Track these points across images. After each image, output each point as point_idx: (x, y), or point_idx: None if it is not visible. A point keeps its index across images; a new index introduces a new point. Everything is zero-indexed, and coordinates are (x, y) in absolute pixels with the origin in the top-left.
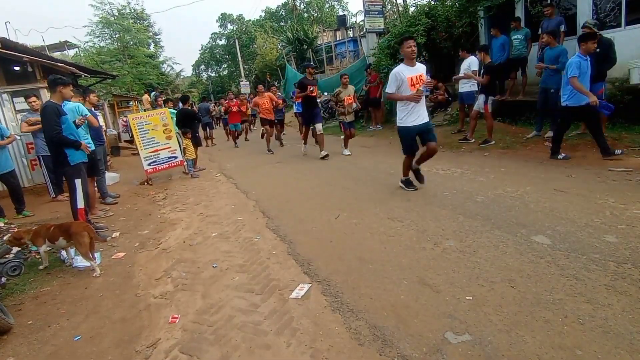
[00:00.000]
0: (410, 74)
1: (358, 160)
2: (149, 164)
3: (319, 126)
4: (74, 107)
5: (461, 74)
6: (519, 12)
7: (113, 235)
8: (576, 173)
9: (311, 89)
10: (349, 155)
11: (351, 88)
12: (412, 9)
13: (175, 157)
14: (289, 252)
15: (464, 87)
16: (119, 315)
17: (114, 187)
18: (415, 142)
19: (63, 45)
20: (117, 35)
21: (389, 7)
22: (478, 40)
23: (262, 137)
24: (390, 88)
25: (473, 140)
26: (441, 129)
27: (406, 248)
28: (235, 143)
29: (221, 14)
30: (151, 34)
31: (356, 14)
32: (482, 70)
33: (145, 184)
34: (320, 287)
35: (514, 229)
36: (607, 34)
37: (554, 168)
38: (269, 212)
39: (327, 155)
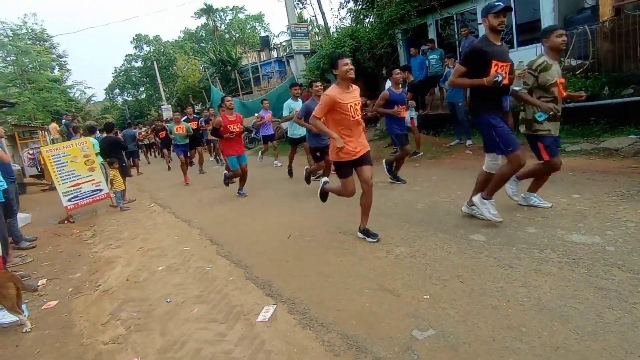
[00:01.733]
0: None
1: (295, 179)
2: (69, 200)
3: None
4: None
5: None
6: (432, 34)
7: (39, 283)
8: None
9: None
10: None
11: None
12: (332, 30)
13: (100, 190)
14: (246, 277)
15: None
16: None
17: (27, 229)
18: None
19: None
20: (12, 58)
21: (310, 27)
22: (398, 60)
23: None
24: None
25: (422, 153)
26: (372, 144)
27: (361, 259)
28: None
29: (136, 35)
30: (55, 56)
31: (279, 34)
32: (406, 88)
33: (66, 222)
34: (285, 306)
35: (454, 230)
36: None
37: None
38: (216, 239)
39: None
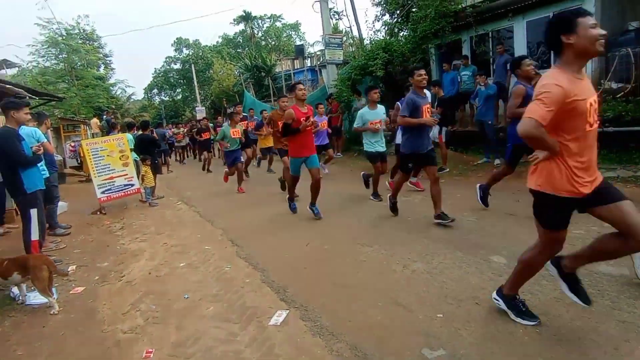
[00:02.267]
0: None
1: (322, 187)
2: (103, 192)
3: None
4: (30, 132)
5: None
6: (466, 50)
7: (69, 269)
8: (521, 198)
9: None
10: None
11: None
12: (366, 42)
13: (132, 185)
14: (263, 280)
15: None
16: (85, 353)
17: (63, 217)
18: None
19: (1, 64)
20: (64, 56)
21: (345, 38)
22: (430, 75)
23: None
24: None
25: (447, 169)
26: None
27: (378, 271)
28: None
29: (177, 38)
30: (101, 55)
31: (313, 44)
32: (435, 103)
33: (99, 213)
34: (298, 312)
35: (474, 250)
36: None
37: (504, 194)
38: (237, 241)
39: None
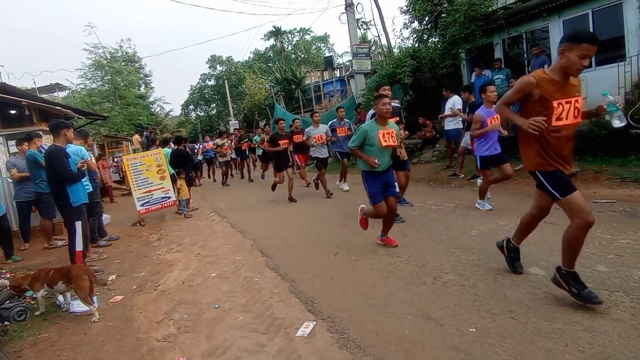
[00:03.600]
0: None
1: (352, 196)
2: (142, 205)
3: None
4: (76, 150)
5: (447, 112)
6: (498, 53)
7: (109, 278)
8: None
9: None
10: (347, 190)
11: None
12: (396, 51)
13: (169, 197)
14: (291, 291)
15: (450, 124)
16: None
17: (107, 229)
18: None
19: (53, 88)
20: (108, 77)
21: (374, 47)
22: (461, 80)
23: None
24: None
25: (462, 175)
26: (430, 165)
27: (407, 283)
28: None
29: (211, 56)
30: (142, 75)
31: (342, 54)
32: (467, 109)
33: (138, 224)
34: (325, 324)
35: None
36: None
37: None
38: (267, 251)
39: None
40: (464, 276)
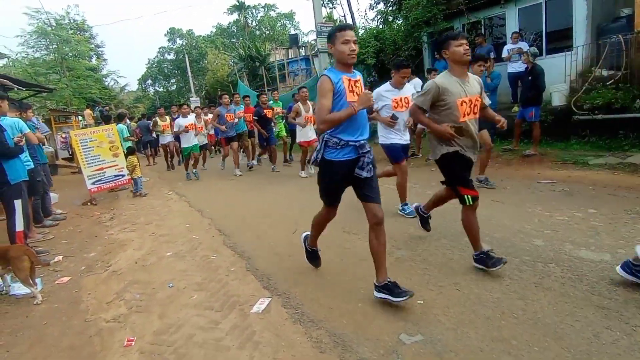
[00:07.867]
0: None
1: (315, 178)
2: (93, 183)
3: None
4: (12, 122)
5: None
6: None
7: (55, 259)
8: (510, 185)
9: None
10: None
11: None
12: (361, 32)
13: (122, 175)
14: (247, 268)
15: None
16: (66, 343)
17: (54, 208)
18: None
19: None
20: (54, 47)
21: None
22: (423, 63)
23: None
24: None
25: (420, 155)
26: None
27: (361, 259)
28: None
29: (170, 28)
30: (93, 46)
31: (308, 33)
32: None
33: (89, 204)
34: (280, 300)
35: (458, 237)
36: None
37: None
38: (225, 230)
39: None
40: (415, 252)
